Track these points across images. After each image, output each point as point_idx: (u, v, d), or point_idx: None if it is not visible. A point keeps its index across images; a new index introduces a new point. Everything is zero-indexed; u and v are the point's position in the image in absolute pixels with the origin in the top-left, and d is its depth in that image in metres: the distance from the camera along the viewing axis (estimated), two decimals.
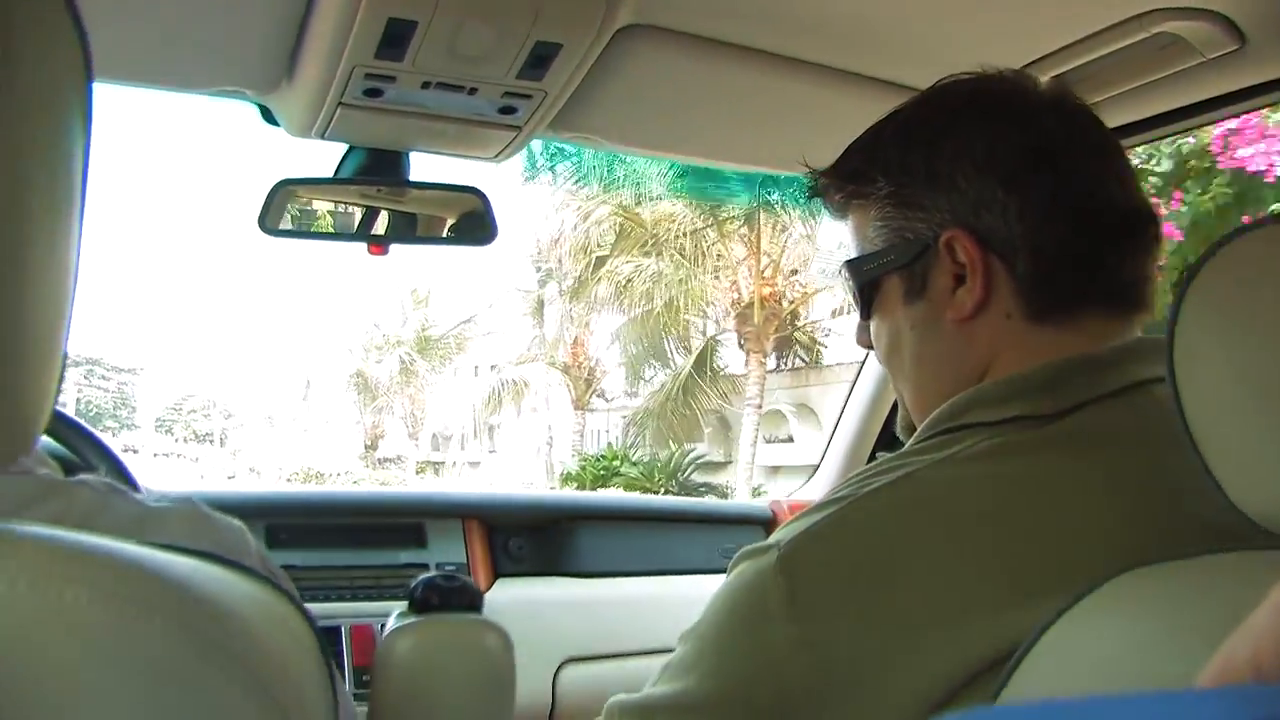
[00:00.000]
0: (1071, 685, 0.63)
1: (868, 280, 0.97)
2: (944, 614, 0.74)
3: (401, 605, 1.00)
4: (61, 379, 0.47)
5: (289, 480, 28.91)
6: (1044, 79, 1.29)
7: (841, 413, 2.22)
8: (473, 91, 1.29)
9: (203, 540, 0.57)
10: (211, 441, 62.99)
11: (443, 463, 36.54)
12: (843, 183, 0.99)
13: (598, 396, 26.72)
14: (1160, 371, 0.85)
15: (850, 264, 0.98)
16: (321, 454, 35.21)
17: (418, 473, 33.67)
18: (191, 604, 0.39)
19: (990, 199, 0.88)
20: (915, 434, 0.91)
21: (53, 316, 0.44)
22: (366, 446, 34.11)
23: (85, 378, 65.63)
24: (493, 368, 30.78)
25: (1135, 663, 0.61)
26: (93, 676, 0.35)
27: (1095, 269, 0.88)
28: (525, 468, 29.72)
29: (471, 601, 0.99)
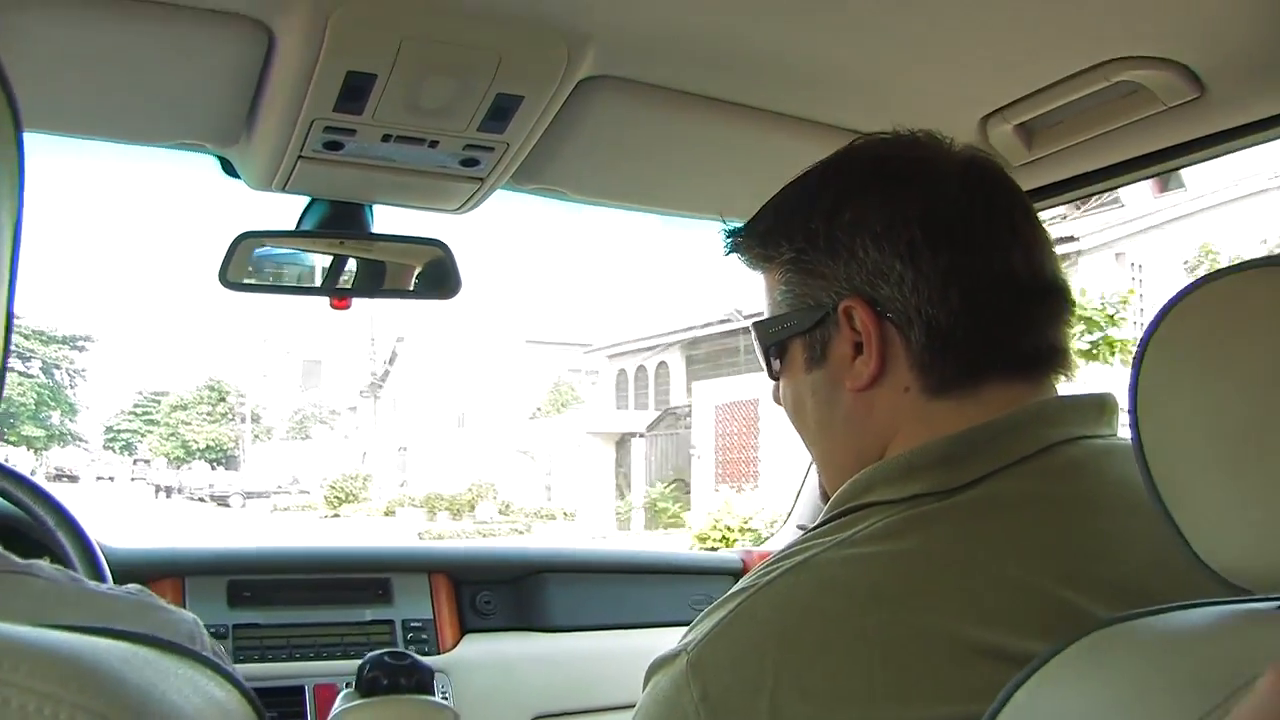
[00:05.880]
0: None
1: (773, 342, 0.97)
2: (853, 694, 0.72)
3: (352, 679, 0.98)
4: None
5: None
6: (1007, 127, 1.31)
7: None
8: (434, 144, 1.28)
9: (150, 629, 0.54)
10: (225, 463, 43.28)
11: None
12: (751, 243, 1.00)
13: None
14: (1071, 432, 0.86)
15: (757, 325, 0.99)
16: None
17: None
18: (115, 697, 0.37)
19: (887, 269, 0.88)
20: (821, 514, 0.90)
21: None
22: None
23: None
24: None
25: None
26: None
27: (992, 342, 0.88)
28: None
29: (420, 682, 0.97)
